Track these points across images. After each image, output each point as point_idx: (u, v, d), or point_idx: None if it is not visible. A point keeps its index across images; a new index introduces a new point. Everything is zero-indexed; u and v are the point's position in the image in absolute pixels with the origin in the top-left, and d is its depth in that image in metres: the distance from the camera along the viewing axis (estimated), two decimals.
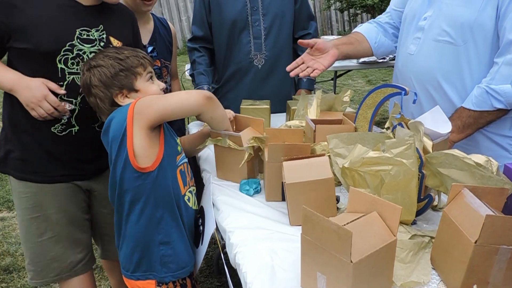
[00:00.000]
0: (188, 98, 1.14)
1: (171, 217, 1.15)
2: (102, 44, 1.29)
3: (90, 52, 1.26)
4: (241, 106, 1.71)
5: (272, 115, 1.80)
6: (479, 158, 0.94)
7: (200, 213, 1.28)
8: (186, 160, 1.26)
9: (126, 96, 1.17)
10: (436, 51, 1.35)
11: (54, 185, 1.34)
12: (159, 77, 1.80)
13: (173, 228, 1.16)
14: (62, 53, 1.21)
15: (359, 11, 8.99)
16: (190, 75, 2.02)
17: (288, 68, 1.51)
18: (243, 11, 1.86)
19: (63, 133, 1.29)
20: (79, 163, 1.36)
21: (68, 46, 1.22)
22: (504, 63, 1.20)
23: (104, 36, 1.30)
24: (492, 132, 1.33)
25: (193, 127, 1.91)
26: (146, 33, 1.73)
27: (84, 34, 1.25)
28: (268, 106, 1.71)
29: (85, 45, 1.26)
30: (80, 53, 1.25)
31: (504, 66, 1.20)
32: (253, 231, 1.05)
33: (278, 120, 1.80)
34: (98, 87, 1.15)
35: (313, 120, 1.27)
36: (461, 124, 1.28)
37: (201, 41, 1.98)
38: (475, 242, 0.74)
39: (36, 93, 1.18)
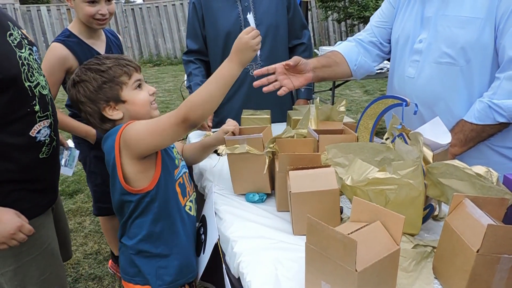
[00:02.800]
0: (171, 127, 1.03)
1: (170, 230, 1.15)
2: (26, 41, 1.22)
3: (29, 55, 1.18)
4: (242, 116, 1.72)
5: (272, 124, 1.82)
6: (479, 169, 0.96)
7: (201, 222, 1.29)
8: (185, 170, 1.26)
9: (115, 108, 1.13)
10: (439, 73, 1.35)
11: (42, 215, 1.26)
12: None
13: (172, 241, 1.16)
14: (22, 70, 1.13)
15: (356, 22, 9.10)
16: (188, 87, 2.04)
17: (255, 84, 1.45)
18: (237, 22, 1.89)
19: (50, 152, 1.24)
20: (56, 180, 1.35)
21: (20, 59, 1.13)
22: (506, 78, 1.22)
23: (20, 32, 1.22)
24: (499, 145, 1.34)
25: (194, 137, 1.92)
26: (101, 43, 1.84)
27: (13, 40, 1.16)
28: (269, 116, 1.73)
29: (20, 51, 1.16)
30: (25, 62, 1.16)
31: (505, 81, 1.22)
32: (257, 240, 1.06)
33: (279, 130, 1.81)
34: (85, 103, 1.12)
35: (315, 130, 1.29)
36: (463, 137, 1.29)
37: (196, 54, 2.02)
38: (477, 251, 0.75)
39: (8, 227, 1.11)
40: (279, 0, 1.94)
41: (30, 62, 1.18)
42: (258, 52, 1.92)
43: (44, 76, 1.27)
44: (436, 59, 1.35)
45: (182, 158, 1.31)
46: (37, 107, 1.18)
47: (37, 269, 1.24)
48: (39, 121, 1.19)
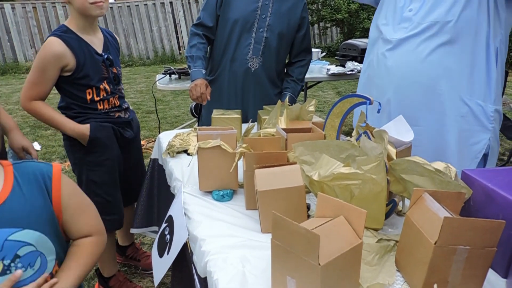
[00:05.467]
0: None
1: None
2: None
3: None
4: (212, 116, 1.72)
5: (244, 124, 1.83)
6: (438, 165, 1.00)
7: (167, 222, 1.28)
8: None
9: None
10: (424, 47, 1.46)
11: None
12: (118, 84, 1.82)
13: None
14: None
15: (329, 25, 9.26)
16: (188, 56, 2.04)
17: None
18: (252, 15, 1.97)
19: None
20: None
21: None
22: None
23: None
24: (478, 104, 1.44)
25: (164, 137, 1.91)
26: (99, 42, 1.76)
27: None
28: (239, 116, 1.74)
29: None
30: None
31: None
32: (225, 238, 1.06)
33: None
34: None
35: (284, 129, 1.30)
36: None
37: (206, 29, 2.05)
38: (435, 243, 0.78)
39: None
40: (295, 14, 2.04)
41: None
42: (262, 48, 2.01)
43: None
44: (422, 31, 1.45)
45: None
46: None
47: None
48: None
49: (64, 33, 1.64)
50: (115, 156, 1.82)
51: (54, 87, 1.69)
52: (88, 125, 1.70)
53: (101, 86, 1.72)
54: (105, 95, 1.74)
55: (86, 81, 1.67)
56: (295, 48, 2.13)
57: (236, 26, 1.98)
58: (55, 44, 1.60)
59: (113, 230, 1.88)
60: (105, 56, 1.74)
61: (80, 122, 1.70)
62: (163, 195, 1.72)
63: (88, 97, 1.70)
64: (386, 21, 1.61)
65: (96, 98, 1.72)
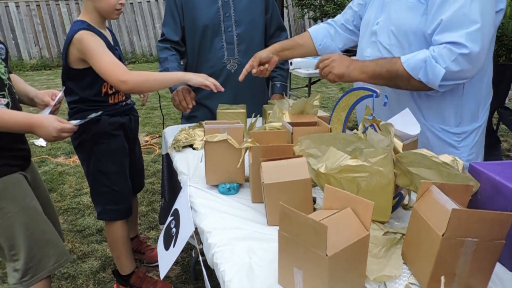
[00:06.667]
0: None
1: None
2: None
3: None
4: (217, 111, 1.72)
5: (248, 119, 1.83)
6: (446, 158, 0.99)
7: (173, 215, 1.28)
8: None
9: None
10: (386, 54, 1.41)
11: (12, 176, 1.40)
12: None
13: None
14: None
15: None
16: (162, 70, 1.96)
17: (240, 78, 1.70)
18: (216, 17, 1.90)
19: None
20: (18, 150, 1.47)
21: None
22: (447, 47, 1.20)
23: None
24: (437, 129, 1.38)
25: (169, 132, 1.91)
26: (109, 36, 1.80)
27: None
28: (245, 110, 1.74)
29: None
30: None
31: (446, 50, 1.20)
32: (231, 231, 1.06)
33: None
34: None
35: (290, 123, 1.30)
36: (378, 71, 1.30)
37: (173, 43, 1.98)
38: (443, 235, 0.78)
39: (51, 130, 1.36)
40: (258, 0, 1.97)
41: None
42: (236, 47, 1.95)
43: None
44: (386, 40, 1.41)
45: None
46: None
47: (21, 225, 1.39)
48: None
49: (88, 27, 1.65)
50: (123, 147, 1.85)
51: (68, 82, 1.72)
52: None
53: None
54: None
55: None
56: (267, 30, 2.05)
57: (207, 32, 1.91)
58: (91, 34, 1.62)
59: (120, 219, 1.88)
60: (118, 51, 1.81)
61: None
62: None
63: (103, 90, 1.74)
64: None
65: (110, 91, 1.76)
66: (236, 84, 1.92)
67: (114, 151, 1.80)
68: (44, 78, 7.57)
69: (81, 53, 1.61)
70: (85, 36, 1.60)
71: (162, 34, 2.01)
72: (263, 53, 1.71)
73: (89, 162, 1.81)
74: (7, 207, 1.37)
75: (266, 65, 1.71)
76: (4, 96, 1.38)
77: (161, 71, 1.94)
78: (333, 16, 1.99)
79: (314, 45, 1.76)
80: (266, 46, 2.04)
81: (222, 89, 1.64)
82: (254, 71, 1.69)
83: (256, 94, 2.05)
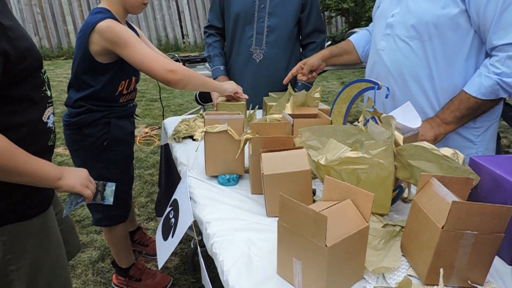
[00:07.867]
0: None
1: None
2: None
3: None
4: (218, 102, 1.72)
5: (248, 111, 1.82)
6: (446, 151, 0.99)
7: (172, 206, 1.28)
8: None
9: None
10: (403, 47, 1.40)
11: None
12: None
13: None
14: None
15: (333, 14, 9.16)
16: (206, 56, 2.18)
17: (285, 81, 1.77)
18: (251, 7, 1.98)
19: (53, 141, 1.17)
20: None
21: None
22: (509, 57, 1.23)
23: None
24: (463, 127, 1.38)
25: (169, 123, 1.90)
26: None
27: None
28: (244, 102, 1.73)
29: None
30: None
31: (509, 60, 1.23)
32: (230, 221, 1.06)
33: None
34: None
35: (290, 115, 1.29)
36: (459, 115, 1.33)
37: (217, 29, 2.14)
38: (442, 228, 0.78)
39: (83, 174, 1.20)
40: None
41: None
42: (265, 38, 2.02)
43: None
44: (403, 32, 1.40)
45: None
46: (48, 92, 1.13)
47: (50, 260, 1.16)
48: (48, 106, 1.13)
49: (112, 16, 1.51)
50: (132, 153, 1.80)
51: (84, 75, 1.57)
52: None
53: (133, 78, 1.66)
54: (132, 89, 1.69)
55: (129, 68, 1.59)
56: (302, 30, 2.10)
57: (238, 20, 2.01)
58: (118, 23, 1.48)
59: (117, 224, 1.85)
60: None
61: (101, 117, 1.61)
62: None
63: (119, 89, 1.62)
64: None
65: (124, 91, 1.65)
66: (262, 72, 2.07)
67: (123, 158, 1.72)
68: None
69: (110, 43, 1.44)
70: (114, 25, 1.44)
71: (208, 20, 2.17)
72: (315, 61, 1.73)
73: (92, 169, 1.52)
74: (41, 243, 1.14)
75: (314, 73, 1.77)
76: (52, 103, 1.16)
77: (206, 56, 2.18)
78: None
79: (357, 52, 1.80)
80: (301, 44, 2.17)
81: (246, 97, 1.74)
82: (304, 78, 1.74)
83: (279, 88, 2.07)
